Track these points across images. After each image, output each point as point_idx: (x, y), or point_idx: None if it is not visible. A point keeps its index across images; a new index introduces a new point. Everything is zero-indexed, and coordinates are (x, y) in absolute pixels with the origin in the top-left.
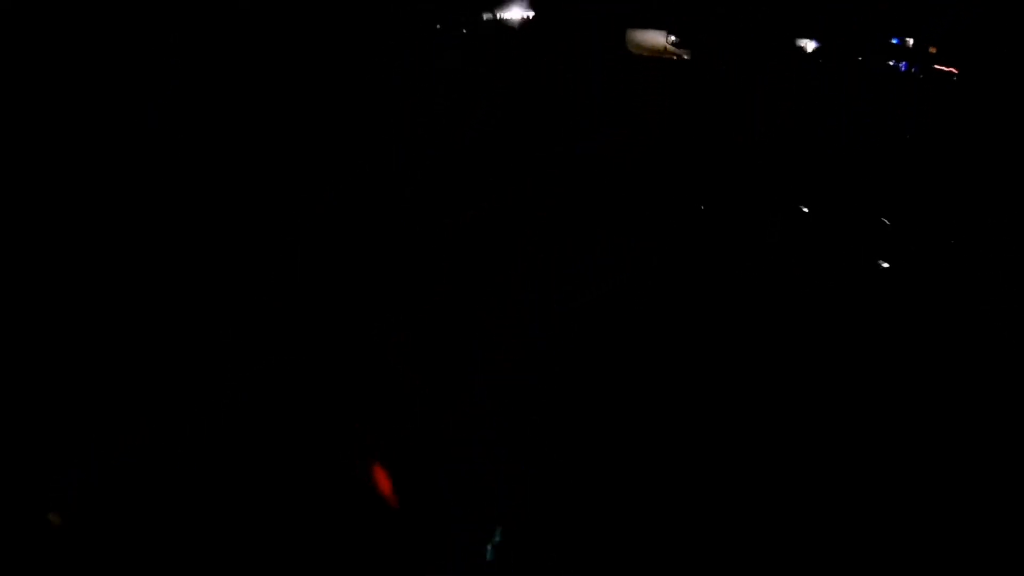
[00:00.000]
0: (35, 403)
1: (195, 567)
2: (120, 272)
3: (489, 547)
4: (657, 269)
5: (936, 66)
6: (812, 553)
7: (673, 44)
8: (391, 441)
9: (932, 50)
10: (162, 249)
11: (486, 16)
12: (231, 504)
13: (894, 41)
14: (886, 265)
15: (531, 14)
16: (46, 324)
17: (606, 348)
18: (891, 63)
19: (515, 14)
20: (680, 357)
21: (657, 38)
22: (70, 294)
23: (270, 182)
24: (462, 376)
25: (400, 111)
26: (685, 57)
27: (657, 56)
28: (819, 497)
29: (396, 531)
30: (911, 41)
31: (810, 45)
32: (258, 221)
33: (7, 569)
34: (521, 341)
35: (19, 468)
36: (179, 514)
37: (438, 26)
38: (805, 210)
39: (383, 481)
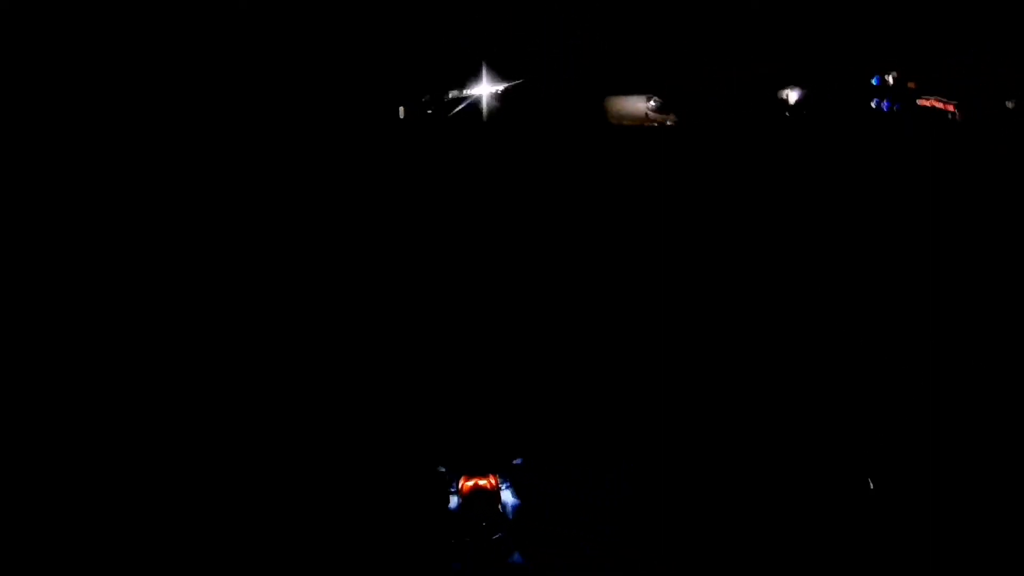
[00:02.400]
0: (34, 403)
1: (197, 567)
2: (120, 272)
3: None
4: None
5: (924, 101)
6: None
7: (654, 110)
8: (396, 444)
9: (911, 85)
10: (163, 250)
11: (452, 94)
12: (233, 505)
13: (874, 81)
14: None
15: (501, 87)
16: (46, 324)
17: (607, 348)
18: (874, 103)
19: (484, 89)
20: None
21: (637, 104)
22: (70, 294)
23: (270, 185)
24: (462, 376)
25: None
26: (668, 123)
27: (639, 124)
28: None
29: (403, 535)
30: (891, 78)
31: (793, 95)
32: (258, 223)
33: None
34: (521, 342)
35: (19, 468)
36: (180, 515)
37: (401, 108)
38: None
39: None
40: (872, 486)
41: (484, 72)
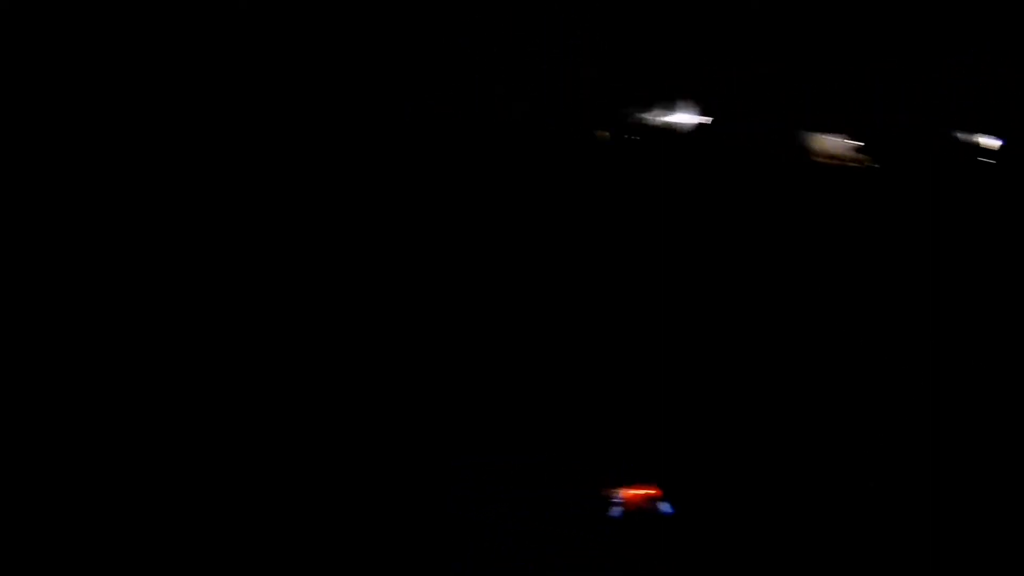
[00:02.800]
0: (35, 404)
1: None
2: (121, 274)
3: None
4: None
5: None
6: None
7: (856, 151)
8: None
9: None
10: (164, 251)
11: (649, 120)
12: (235, 506)
13: None
14: None
15: (706, 119)
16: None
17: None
18: None
19: (686, 119)
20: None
21: (838, 144)
22: (71, 295)
23: (270, 185)
24: (464, 377)
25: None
26: (872, 165)
27: (840, 164)
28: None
29: (405, 535)
30: None
31: (989, 141)
32: (258, 224)
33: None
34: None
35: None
36: (182, 515)
37: (596, 133)
38: None
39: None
40: (872, 486)
41: (677, 103)
